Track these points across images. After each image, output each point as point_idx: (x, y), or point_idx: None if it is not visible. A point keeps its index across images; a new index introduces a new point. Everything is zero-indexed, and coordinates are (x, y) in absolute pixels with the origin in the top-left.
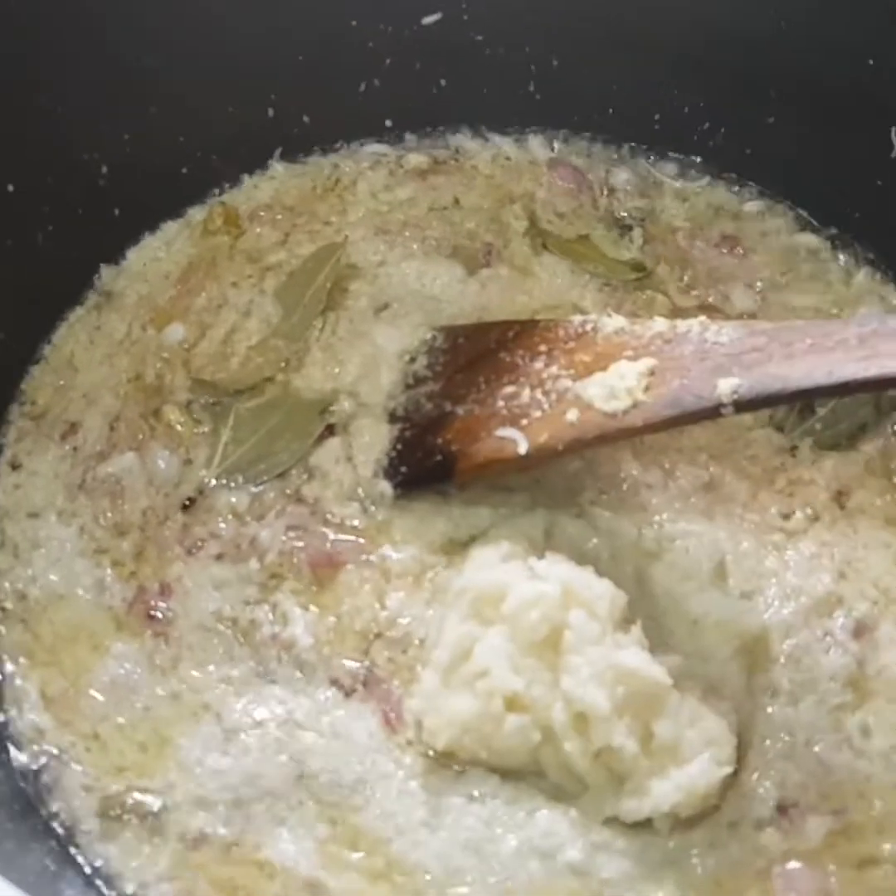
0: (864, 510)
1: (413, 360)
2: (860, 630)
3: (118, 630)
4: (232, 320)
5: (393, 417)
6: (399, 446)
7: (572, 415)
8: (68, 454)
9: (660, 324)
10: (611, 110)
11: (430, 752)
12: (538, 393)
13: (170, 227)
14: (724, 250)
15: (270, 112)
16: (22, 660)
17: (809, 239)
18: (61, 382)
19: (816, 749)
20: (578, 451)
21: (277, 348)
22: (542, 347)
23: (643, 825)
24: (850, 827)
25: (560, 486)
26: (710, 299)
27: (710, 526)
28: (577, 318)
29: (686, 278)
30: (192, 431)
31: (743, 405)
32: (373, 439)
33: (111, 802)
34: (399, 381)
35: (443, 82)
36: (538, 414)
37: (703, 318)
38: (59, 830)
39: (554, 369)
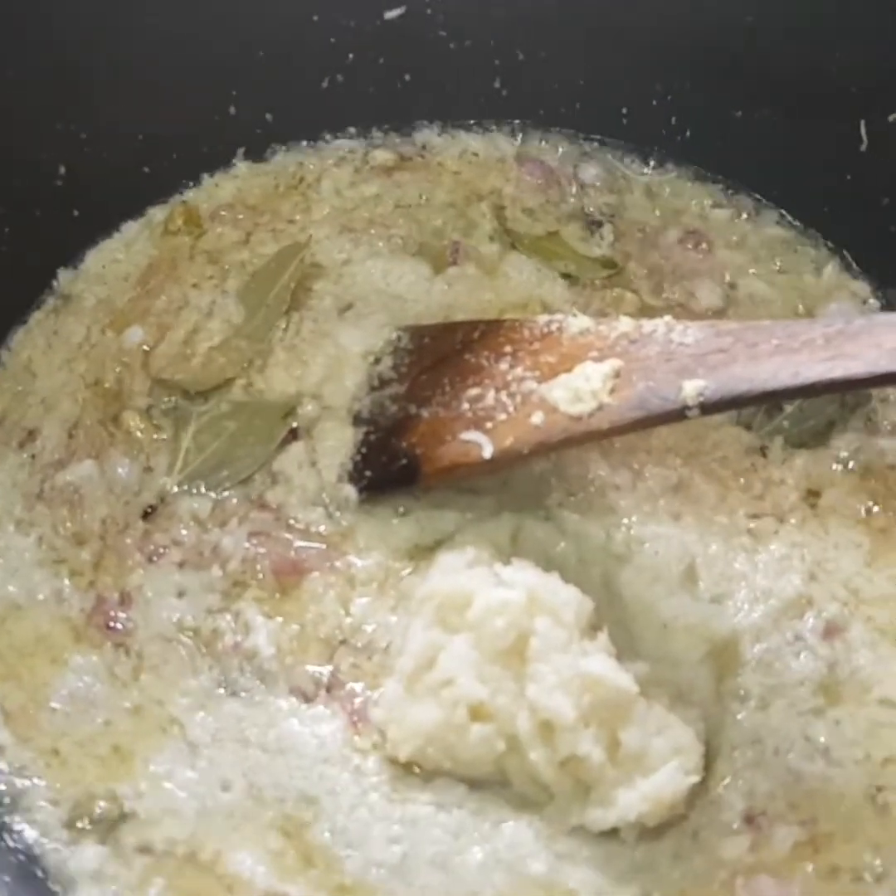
0: (835, 509)
1: (378, 361)
2: (830, 632)
3: (77, 641)
4: (193, 321)
5: (357, 420)
6: (363, 450)
7: (537, 417)
8: (26, 462)
9: (625, 324)
10: (578, 105)
11: (394, 761)
12: (503, 395)
13: (130, 228)
14: (690, 246)
15: (232, 110)
16: None
17: (778, 233)
18: (19, 388)
19: (785, 757)
20: (544, 454)
21: (240, 349)
22: (508, 348)
23: (609, 834)
24: (819, 836)
25: (527, 488)
26: (678, 296)
27: (679, 528)
28: (543, 318)
29: (654, 275)
30: (152, 437)
31: (708, 407)
32: (337, 443)
33: (73, 817)
34: (363, 382)
35: (407, 77)
36: (503, 417)
37: (668, 318)
38: (21, 846)
39: (519, 371)
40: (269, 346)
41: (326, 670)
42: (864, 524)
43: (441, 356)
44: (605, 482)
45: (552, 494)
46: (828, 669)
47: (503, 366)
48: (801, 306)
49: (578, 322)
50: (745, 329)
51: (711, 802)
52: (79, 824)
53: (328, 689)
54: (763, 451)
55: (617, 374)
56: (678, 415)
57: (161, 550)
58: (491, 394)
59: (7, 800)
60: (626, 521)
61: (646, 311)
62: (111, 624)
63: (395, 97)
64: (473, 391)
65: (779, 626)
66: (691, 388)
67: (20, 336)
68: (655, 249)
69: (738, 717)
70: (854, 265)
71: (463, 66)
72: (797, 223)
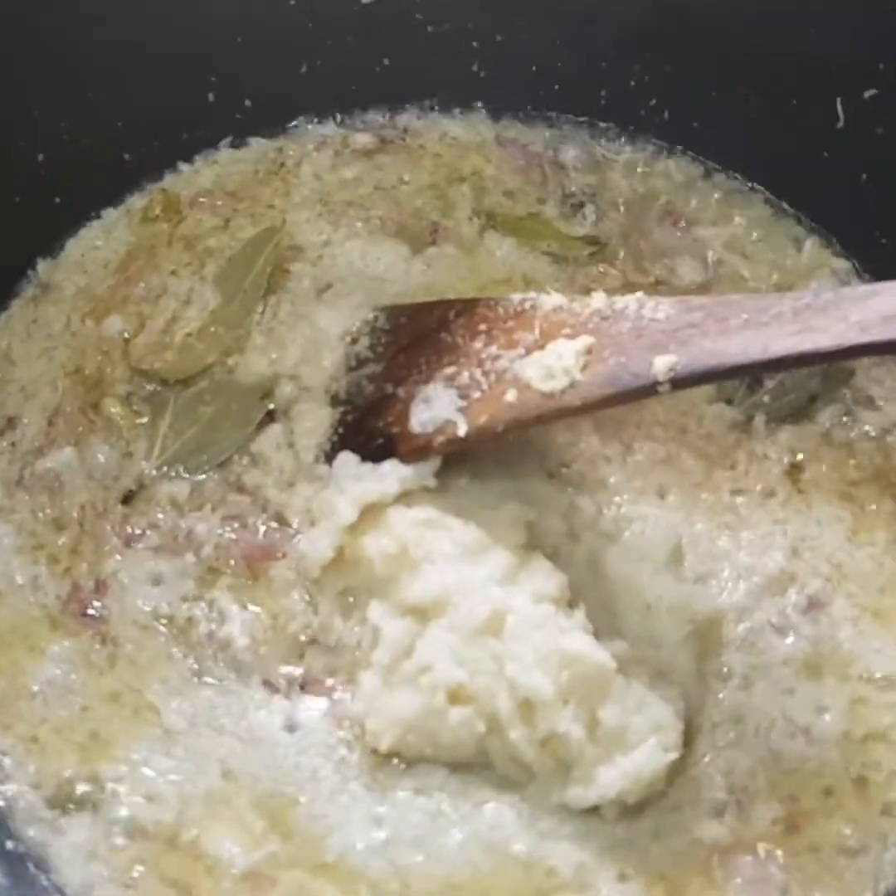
0: (818, 484)
1: (355, 341)
2: (813, 608)
3: (53, 629)
4: (172, 309)
5: (335, 400)
6: (340, 430)
7: (511, 395)
8: (6, 450)
9: (598, 301)
10: (556, 86)
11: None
12: (478, 373)
13: (109, 215)
14: (671, 224)
15: (211, 96)
16: None
17: (757, 210)
18: None
19: (766, 735)
20: (518, 431)
21: (218, 335)
22: (482, 327)
23: (590, 812)
24: (798, 813)
25: (518, 457)
26: (660, 273)
27: (666, 507)
28: (516, 296)
29: (637, 253)
30: (131, 423)
31: (679, 382)
32: (315, 424)
33: (54, 802)
34: (341, 363)
35: (386, 61)
36: (477, 395)
37: (640, 294)
38: (2, 830)
39: (493, 349)
40: (246, 331)
41: (300, 666)
42: (846, 499)
43: (417, 335)
44: (596, 453)
45: (545, 463)
46: (810, 647)
47: (478, 344)
48: (782, 283)
49: (551, 300)
50: (715, 304)
51: (691, 780)
52: (59, 809)
53: (303, 686)
54: (747, 426)
55: (589, 351)
56: (649, 390)
57: (138, 534)
58: (466, 372)
59: None
60: (617, 498)
61: (629, 287)
62: (86, 611)
63: (374, 81)
64: (449, 370)
65: (762, 604)
66: (662, 364)
67: None
68: (637, 228)
69: (720, 695)
70: (834, 242)
71: (441, 50)
72: (776, 201)
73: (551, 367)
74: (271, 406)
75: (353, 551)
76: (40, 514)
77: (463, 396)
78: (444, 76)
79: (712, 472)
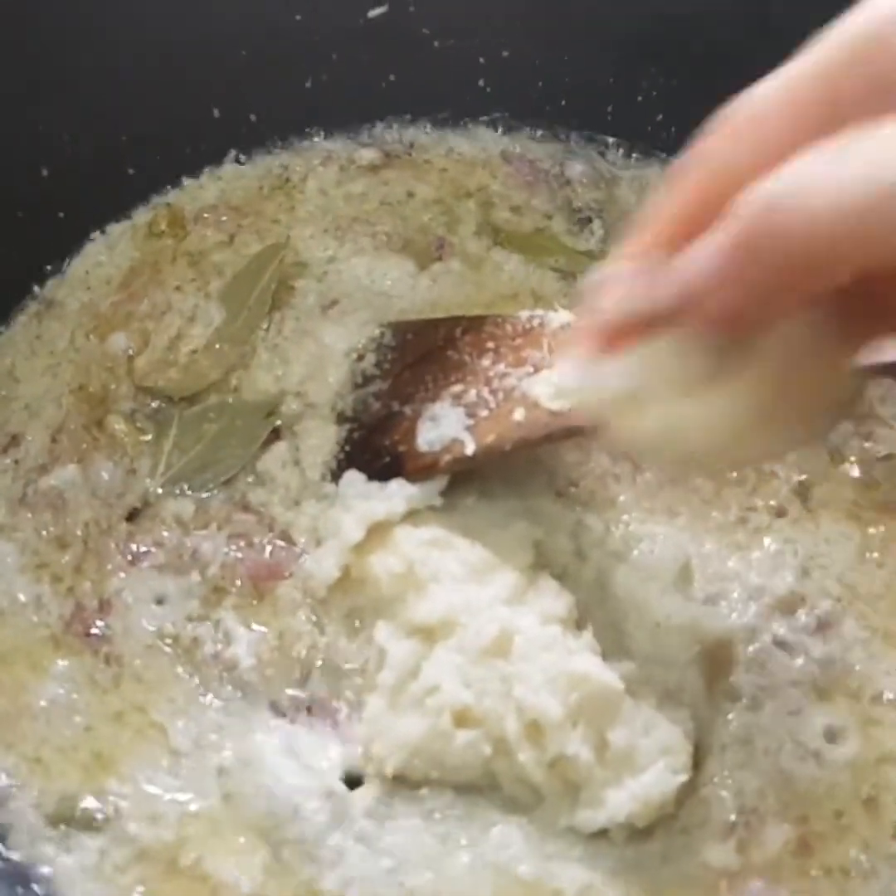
0: (827, 503)
1: (361, 358)
2: (823, 629)
3: (56, 648)
4: (176, 326)
5: (341, 418)
6: (347, 448)
7: (519, 414)
8: (9, 467)
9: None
10: (563, 102)
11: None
12: (485, 391)
13: (113, 231)
14: None
15: (216, 112)
16: None
17: None
18: (2, 393)
19: (776, 756)
20: (525, 450)
21: (223, 352)
22: (490, 344)
23: (598, 835)
24: (810, 836)
25: (526, 475)
26: None
27: (675, 526)
28: (524, 314)
29: None
30: (136, 440)
31: None
32: (321, 441)
33: (55, 822)
34: (347, 380)
35: (392, 76)
36: (485, 413)
37: None
38: (3, 850)
39: (501, 367)
40: (251, 348)
41: (306, 689)
42: (854, 519)
43: (423, 352)
44: (605, 472)
45: (554, 482)
46: (820, 668)
47: (486, 362)
48: None
49: (560, 317)
50: None
51: (701, 802)
52: (61, 828)
53: (308, 708)
54: None
55: None
56: None
57: (143, 552)
58: (473, 390)
59: None
60: (625, 516)
61: None
62: (90, 631)
63: (380, 96)
64: (456, 388)
65: (771, 625)
66: None
67: (3, 341)
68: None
69: (729, 716)
70: None
71: (447, 65)
72: None
73: (561, 385)
74: (278, 423)
75: (360, 571)
76: (43, 533)
77: (470, 415)
78: (450, 91)
79: (721, 490)
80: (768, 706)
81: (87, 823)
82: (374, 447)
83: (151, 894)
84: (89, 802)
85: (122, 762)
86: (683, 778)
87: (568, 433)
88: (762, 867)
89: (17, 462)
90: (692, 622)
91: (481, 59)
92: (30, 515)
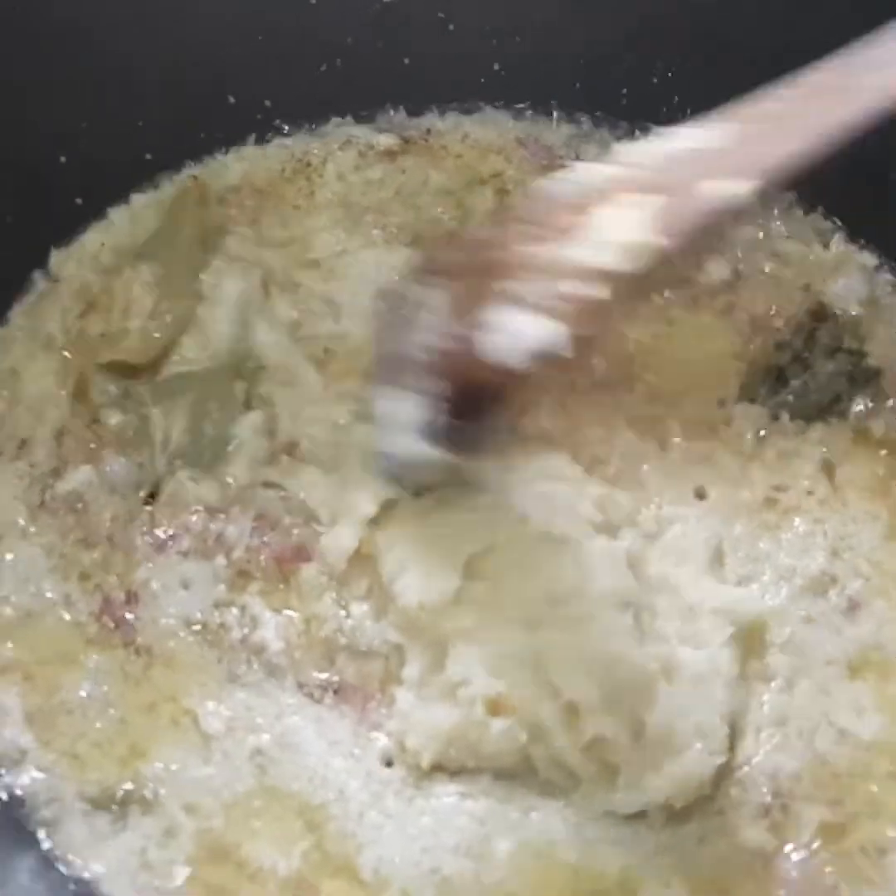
0: (853, 481)
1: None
2: (854, 609)
3: (88, 644)
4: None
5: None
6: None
7: (588, 288)
8: (25, 473)
9: (641, 152)
10: (577, 85)
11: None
12: (535, 280)
13: (126, 207)
14: None
15: (231, 99)
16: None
17: (782, 207)
18: (5, 393)
19: (811, 737)
20: (606, 325)
21: (167, 312)
22: (520, 230)
23: (636, 818)
24: (845, 816)
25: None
26: (686, 270)
27: (705, 508)
28: (547, 183)
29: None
30: (134, 427)
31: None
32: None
33: (95, 813)
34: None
35: (406, 61)
36: (555, 304)
37: (689, 128)
38: (44, 846)
39: (531, 249)
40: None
41: (334, 672)
42: (880, 496)
43: (460, 272)
44: (632, 450)
45: (580, 459)
46: (852, 648)
47: (522, 248)
48: (809, 281)
49: (586, 172)
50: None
51: (736, 784)
52: (100, 818)
53: (336, 691)
54: (775, 424)
55: (655, 214)
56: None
57: (166, 537)
58: (522, 283)
59: (33, 801)
60: (656, 498)
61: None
62: (119, 623)
63: (395, 81)
64: (513, 288)
65: (803, 606)
66: (734, 188)
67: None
68: None
69: (763, 698)
70: (861, 238)
71: (462, 49)
72: (801, 196)
73: (620, 242)
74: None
75: (375, 546)
76: (68, 536)
77: (541, 309)
78: (465, 76)
79: (749, 470)
80: (801, 686)
81: (126, 813)
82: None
83: (192, 879)
84: (127, 793)
85: (158, 751)
86: (720, 760)
87: (654, 287)
88: (799, 847)
89: (32, 466)
90: (725, 605)
91: (495, 43)
92: (52, 520)
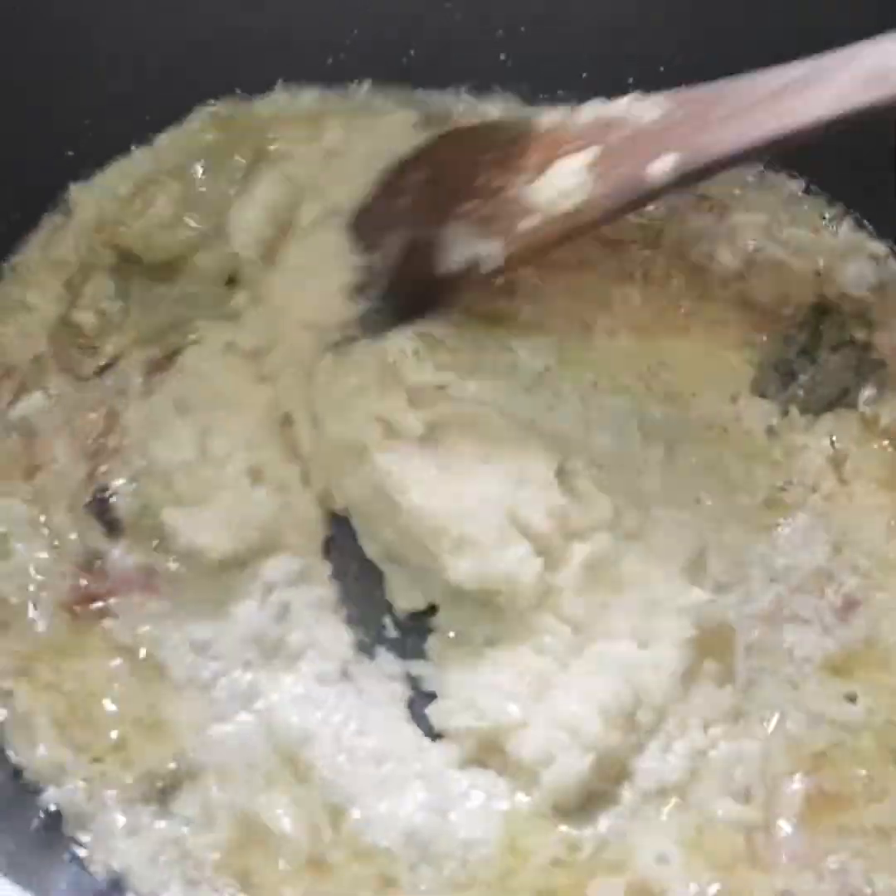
0: (861, 472)
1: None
2: (852, 605)
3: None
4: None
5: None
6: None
7: (530, 221)
8: None
9: (592, 110)
10: (584, 74)
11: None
12: (491, 206)
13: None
14: (706, 209)
15: (237, 90)
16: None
17: (792, 195)
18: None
19: (793, 721)
20: (540, 258)
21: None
22: (486, 156)
23: (620, 797)
24: (829, 791)
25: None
26: (699, 260)
27: (698, 512)
28: (510, 121)
29: (675, 239)
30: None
31: (686, 178)
32: None
33: (134, 804)
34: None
35: (412, 52)
36: (497, 227)
37: (637, 93)
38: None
39: (501, 179)
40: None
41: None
42: (887, 488)
43: (420, 181)
44: (635, 455)
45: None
46: (840, 645)
47: (485, 177)
48: (819, 268)
49: (547, 118)
50: (704, 94)
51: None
52: (136, 803)
53: (343, 674)
54: (783, 419)
55: (595, 163)
56: (657, 192)
57: None
58: (479, 207)
59: (74, 808)
60: (647, 502)
61: (673, 274)
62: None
63: (401, 70)
64: (464, 207)
65: (794, 607)
66: (666, 163)
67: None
68: (674, 214)
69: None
70: (869, 226)
71: (467, 37)
72: (810, 184)
73: (560, 186)
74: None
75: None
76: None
77: (482, 232)
78: (470, 64)
79: (754, 468)
80: (768, 683)
81: (160, 798)
82: (402, 283)
83: (219, 861)
84: (165, 775)
85: (187, 731)
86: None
87: (581, 231)
88: (789, 820)
89: None
90: (694, 608)
91: (500, 32)
92: None
